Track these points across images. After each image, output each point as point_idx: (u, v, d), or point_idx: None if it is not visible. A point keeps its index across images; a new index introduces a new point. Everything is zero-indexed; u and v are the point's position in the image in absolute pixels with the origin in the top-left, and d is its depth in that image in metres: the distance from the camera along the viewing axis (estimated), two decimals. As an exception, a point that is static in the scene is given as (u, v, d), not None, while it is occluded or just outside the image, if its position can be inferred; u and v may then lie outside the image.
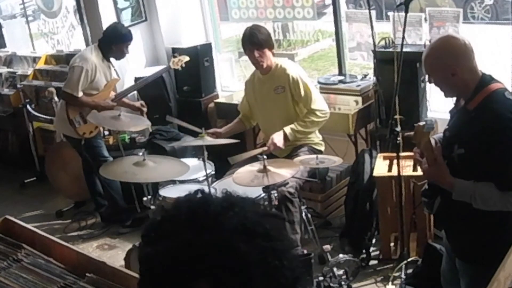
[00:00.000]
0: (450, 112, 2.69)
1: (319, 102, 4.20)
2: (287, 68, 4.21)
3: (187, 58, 5.18)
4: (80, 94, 4.72)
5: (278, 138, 4.12)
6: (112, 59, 4.93)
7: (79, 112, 4.81)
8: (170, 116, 4.75)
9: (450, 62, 2.47)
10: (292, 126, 4.17)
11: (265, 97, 4.30)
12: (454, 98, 2.68)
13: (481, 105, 2.45)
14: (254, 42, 4.11)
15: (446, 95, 2.65)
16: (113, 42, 4.79)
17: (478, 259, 2.57)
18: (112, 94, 4.99)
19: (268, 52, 4.16)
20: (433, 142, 2.63)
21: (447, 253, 2.87)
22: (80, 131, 4.83)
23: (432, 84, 2.67)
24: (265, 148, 4.14)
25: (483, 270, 2.46)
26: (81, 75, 4.66)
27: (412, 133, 2.67)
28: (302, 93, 4.15)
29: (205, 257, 0.98)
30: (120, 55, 4.90)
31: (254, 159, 3.91)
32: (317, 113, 4.18)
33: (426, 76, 2.64)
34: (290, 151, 4.25)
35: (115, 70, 5.04)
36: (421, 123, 2.57)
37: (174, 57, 5.13)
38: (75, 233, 5.16)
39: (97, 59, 4.77)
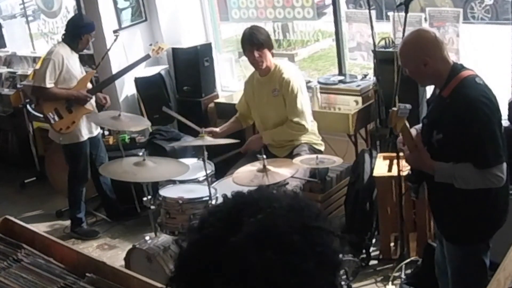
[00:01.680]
0: (427, 101, 2.81)
1: (300, 116, 4.17)
2: (283, 70, 4.21)
3: (166, 46, 5.17)
4: (50, 85, 4.66)
5: (254, 140, 4.32)
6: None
7: (54, 107, 4.76)
8: (166, 108, 4.60)
9: (421, 53, 2.64)
10: (271, 130, 4.27)
11: (263, 99, 4.29)
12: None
13: (454, 91, 2.60)
14: (254, 42, 4.11)
15: (421, 85, 2.87)
16: (82, 32, 4.75)
17: (464, 238, 2.71)
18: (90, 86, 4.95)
19: (267, 53, 4.16)
20: (414, 132, 2.78)
21: (439, 242, 2.97)
22: (56, 127, 4.78)
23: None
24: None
25: (470, 249, 2.69)
26: (48, 66, 4.63)
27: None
28: (288, 98, 4.16)
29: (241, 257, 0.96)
30: (85, 46, 4.89)
31: (254, 158, 3.90)
32: (293, 125, 4.18)
33: (403, 69, 2.82)
34: (290, 151, 4.25)
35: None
36: (395, 108, 2.72)
37: (151, 45, 5.12)
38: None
39: (64, 51, 4.72)
